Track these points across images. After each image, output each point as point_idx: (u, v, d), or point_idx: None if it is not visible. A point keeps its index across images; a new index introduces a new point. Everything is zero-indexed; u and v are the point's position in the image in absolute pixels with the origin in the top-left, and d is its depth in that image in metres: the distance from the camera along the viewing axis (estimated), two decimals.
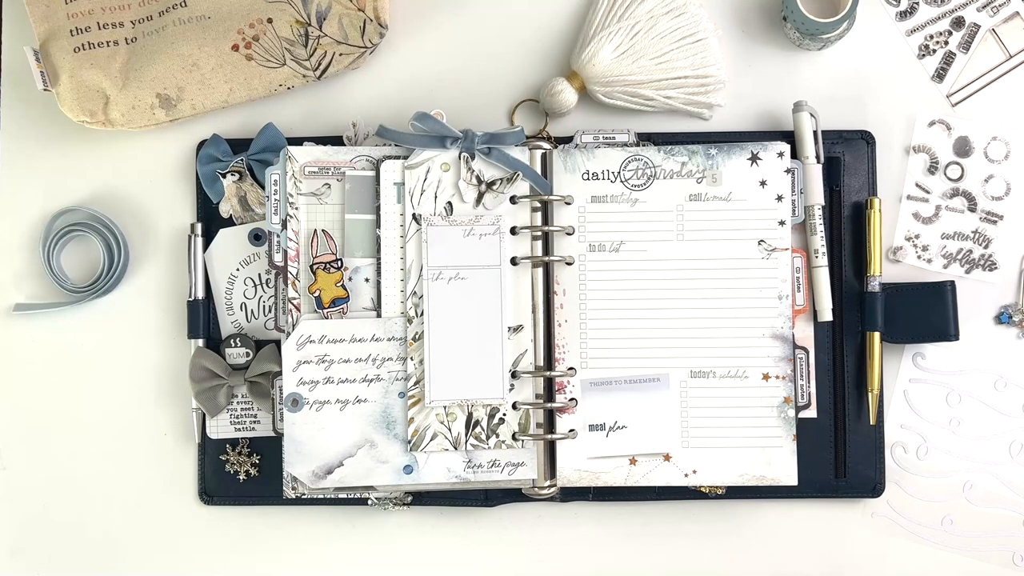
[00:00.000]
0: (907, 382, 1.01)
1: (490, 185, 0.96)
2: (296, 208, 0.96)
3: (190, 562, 1.03)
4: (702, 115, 1.02)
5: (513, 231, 0.97)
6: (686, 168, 0.97)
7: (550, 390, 0.97)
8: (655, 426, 0.96)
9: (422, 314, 0.95)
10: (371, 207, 0.97)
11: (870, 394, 0.98)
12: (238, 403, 1.01)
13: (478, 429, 0.95)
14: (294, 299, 0.96)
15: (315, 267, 0.96)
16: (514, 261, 0.97)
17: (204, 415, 1.01)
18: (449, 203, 0.96)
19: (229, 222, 1.02)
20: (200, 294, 1.01)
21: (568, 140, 1.00)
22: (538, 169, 0.97)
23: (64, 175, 1.04)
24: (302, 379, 0.96)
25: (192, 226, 1.02)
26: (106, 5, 1.00)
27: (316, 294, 0.96)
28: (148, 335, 1.03)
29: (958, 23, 1.03)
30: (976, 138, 1.02)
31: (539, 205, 0.97)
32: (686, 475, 0.96)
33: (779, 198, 0.96)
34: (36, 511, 1.03)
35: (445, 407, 0.95)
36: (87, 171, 1.04)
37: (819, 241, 0.98)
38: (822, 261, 0.98)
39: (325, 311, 0.96)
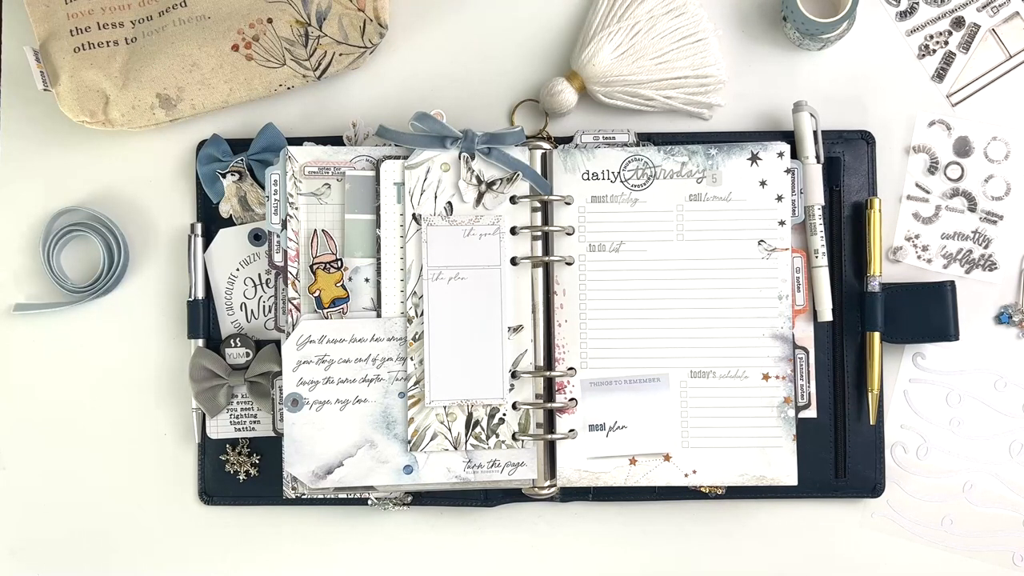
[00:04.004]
0: (907, 382, 1.01)
1: (490, 185, 0.96)
2: (296, 208, 0.96)
3: (190, 562, 1.03)
4: (702, 115, 1.02)
5: (513, 231, 0.97)
6: (686, 168, 0.97)
7: (550, 390, 0.97)
8: (655, 426, 0.96)
9: (422, 314, 0.95)
10: (371, 207, 0.97)
11: (870, 394, 0.98)
12: (238, 403, 1.01)
13: (478, 429, 0.95)
14: (294, 299, 0.96)
15: (315, 267, 0.96)
16: (514, 261, 0.97)
17: (204, 415, 1.01)
18: (449, 203, 0.96)
19: (229, 222, 1.02)
20: (200, 294, 1.01)
21: (568, 140, 1.00)
22: (538, 169, 0.97)
23: (64, 175, 1.04)
24: (302, 379, 0.96)
25: (192, 226, 1.02)
26: (106, 5, 1.00)
27: (316, 294, 0.96)
28: (148, 335, 1.03)
29: (958, 23, 1.03)
30: (976, 138, 1.02)
31: (539, 205, 0.97)
32: (686, 475, 0.96)
33: (779, 198, 0.96)
34: (36, 511, 1.03)
35: (445, 407, 0.95)
36: (87, 171, 1.04)
37: (819, 241, 0.98)
38: (822, 261, 0.98)
39: (325, 311, 0.96)
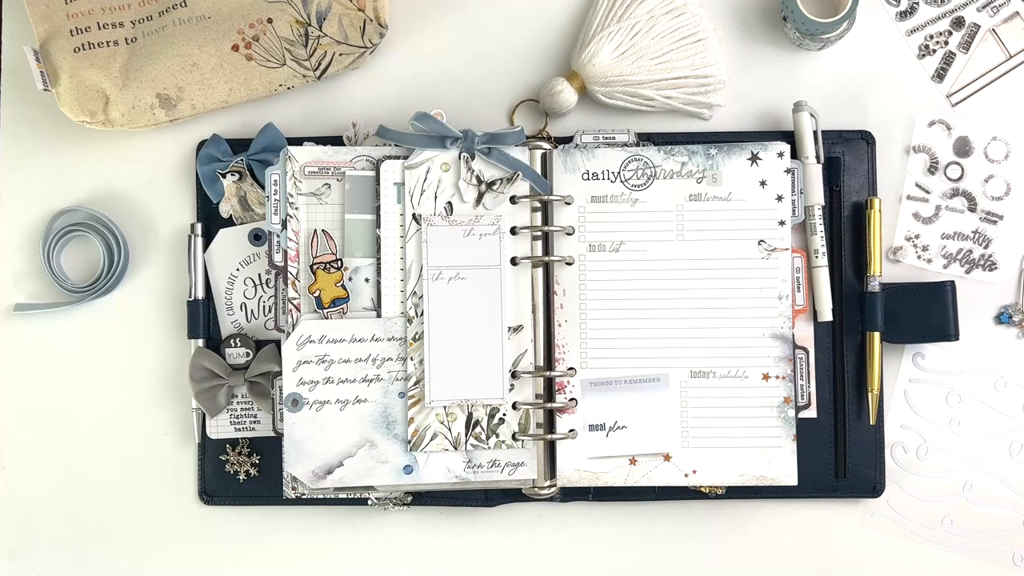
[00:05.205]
0: (907, 382, 1.01)
1: (490, 185, 0.97)
2: (296, 208, 0.96)
3: (190, 562, 1.03)
4: (702, 115, 1.02)
5: (513, 231, 0.97)
6: (686, 168, 0.97)
7: (550, 390, 0.97)
8: (655, 426, 0.96)
9: (422, 314, 0.95)
10: (371, 207, 0.97)
11: (870, 394, 0.98)
12: (238, 403, 1.01)
13: (478, 429, 0.95)
14: (294, 299, 0.96)
15: (315, 267, 0.96)
16: (514, 261, 0.97)
17: (204, 415, 1.01)
18: (449, 203, 0.96)
19: (229, 222, 1.02)
20: (200, 294, 1.01)
21: (568, 140, 1.00)
22: (538, 169, 0.97)
23: (64, 175, 1.04)
24: (302, 379, 0.96)
25: (192, 226, 1.02)
26: (106, 5, 1.00)
27: (316, 294, 0.96)
28: (148, 335, 1.03)
29: (958, 23, 1.03)
30: (976, 138, 1.02)
31: (539, 205, 0.97)
32: (686, 475, 0.96)
33: (779, 198, 0.96)
34: (36, 511, 1.03)
35: (445, 407, 0.95)
36: (87, 171, 1.04)
37: (819, 241, 0.98)
38: (822, 261, 0.98)
39: (325, 311, 0.96)
